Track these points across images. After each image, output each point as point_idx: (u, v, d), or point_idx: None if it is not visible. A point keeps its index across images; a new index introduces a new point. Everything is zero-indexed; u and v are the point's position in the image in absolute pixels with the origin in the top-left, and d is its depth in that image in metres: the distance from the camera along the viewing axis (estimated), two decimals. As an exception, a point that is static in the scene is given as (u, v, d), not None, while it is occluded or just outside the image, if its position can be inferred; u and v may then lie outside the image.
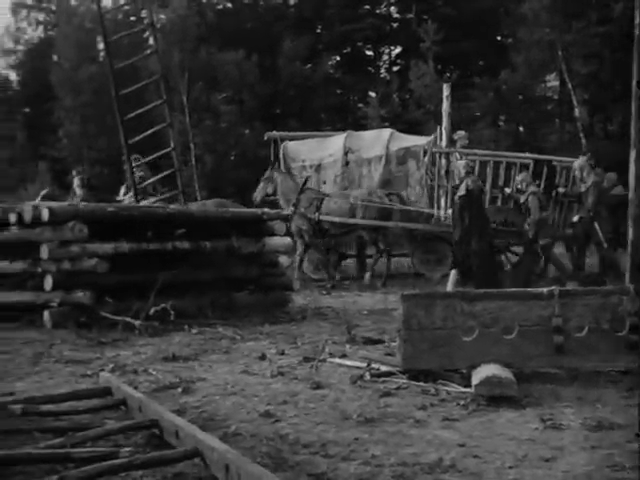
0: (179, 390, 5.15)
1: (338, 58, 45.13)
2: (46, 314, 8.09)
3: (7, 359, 6.39)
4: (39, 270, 8.36)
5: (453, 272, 11.13)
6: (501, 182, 13.38)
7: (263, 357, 6.43)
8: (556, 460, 3.64)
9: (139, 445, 3.78)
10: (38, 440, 3.78)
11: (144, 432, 3.94)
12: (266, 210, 10.96)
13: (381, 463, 3.61)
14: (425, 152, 14.35)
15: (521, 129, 36.27)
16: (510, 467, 3.55)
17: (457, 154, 13.64)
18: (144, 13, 37.78)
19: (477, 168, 13.18)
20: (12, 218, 8.54)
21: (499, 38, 41.63)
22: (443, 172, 13.77)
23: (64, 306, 8.14)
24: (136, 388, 4.96)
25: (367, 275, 13.59)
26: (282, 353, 6.65)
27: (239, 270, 9.63)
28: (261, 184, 15.11)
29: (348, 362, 6.05)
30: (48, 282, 8.20)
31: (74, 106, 37.45)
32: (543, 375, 5.39)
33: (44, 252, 8.14)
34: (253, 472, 2.98)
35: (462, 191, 11.34)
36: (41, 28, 47.82)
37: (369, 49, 45.82)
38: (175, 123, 20.86)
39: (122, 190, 13.40)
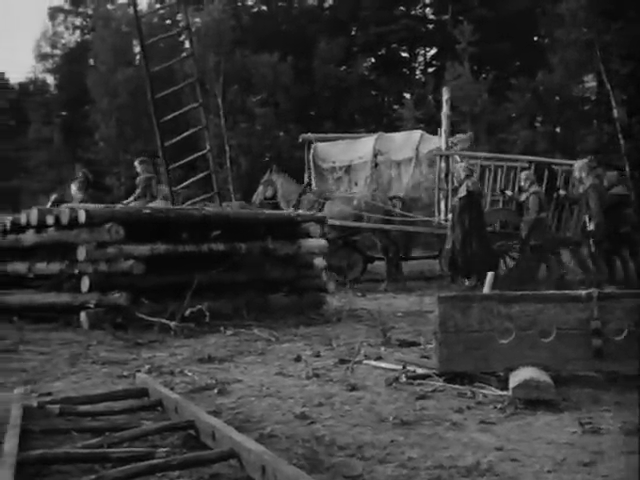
0: (215, 391, 5.15)
1: (373, 60, 45.14)
2: (83, 315, 8.15)
3: (45, 359, 6.44)
4: (76, 271, 8.43)
5: (490, 274, 11.06)
6: (502, 185, 13.30)
7: (298, 359, 6.41)
8: (595, 465, 3.59)
9: (175, 446, 3.79)
10: (76, 440, 3.80)
11: (180, 433, 3.95)
12: (300, 212, 10.99)
13: (417, 466, 3.58)
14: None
15: (558, 130, 35.91)
16: (548, 471, 3.50)
17: (457, 157, 13.58)
18: (180, 16, 38.08)
19: (478, 171, 13.13)
20: (50, 220, 8.64)
21: (536, 38, 41.25)
22: (443, 175, 13.71)
23: (101, 307, 8.18)
24: (172, 389, 4.98)
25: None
26: (317, 355, 6.63)
27: (274, 272, 9.63)
28: (260, 187, 15.17)
29: (384, 364, 6.01)
30: (85, 283, 8.26)
31: (110, 109, 37.87)
32: (581, 379, 5.32)
33: (81, 254, 8.20)
34: (289, 473, 2.96)
35: (462, 192, 11.30)
36: (78, 32, 48.54)
37: (404, 50, 45.79)
38: (210, 126, 21.00)
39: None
